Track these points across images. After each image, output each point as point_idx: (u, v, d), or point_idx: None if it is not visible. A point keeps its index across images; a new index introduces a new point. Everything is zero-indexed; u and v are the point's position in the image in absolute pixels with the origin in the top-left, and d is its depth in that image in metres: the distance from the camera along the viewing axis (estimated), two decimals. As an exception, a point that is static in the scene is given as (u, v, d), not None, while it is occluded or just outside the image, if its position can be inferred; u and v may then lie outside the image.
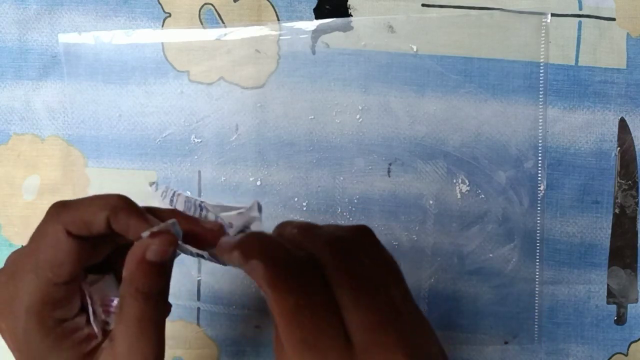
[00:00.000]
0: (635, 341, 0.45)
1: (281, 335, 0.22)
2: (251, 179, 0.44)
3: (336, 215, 0.44)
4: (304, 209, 0.44)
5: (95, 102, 0.44)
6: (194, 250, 0.27)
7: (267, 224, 0.45)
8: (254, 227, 0.28)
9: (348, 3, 0.44)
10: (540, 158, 0.44)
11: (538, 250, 0.45)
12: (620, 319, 0.45)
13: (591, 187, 0.45)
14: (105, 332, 0.28)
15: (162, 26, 0.44)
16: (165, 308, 0.27)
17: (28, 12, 0.44)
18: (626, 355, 0.45)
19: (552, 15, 0.44)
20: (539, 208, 0.44)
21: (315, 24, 0.44)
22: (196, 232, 0.27)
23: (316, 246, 0.23)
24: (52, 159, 0.45)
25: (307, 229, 0.24)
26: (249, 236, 0.25)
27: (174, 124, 0.44)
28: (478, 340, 0.45)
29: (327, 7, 0.44)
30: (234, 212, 0.28)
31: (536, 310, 0.45)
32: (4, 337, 0.26)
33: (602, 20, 0.44)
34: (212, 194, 0.44)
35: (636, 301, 0.45)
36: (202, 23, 0.44)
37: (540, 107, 0.44)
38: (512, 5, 0.44)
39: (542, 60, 0.44)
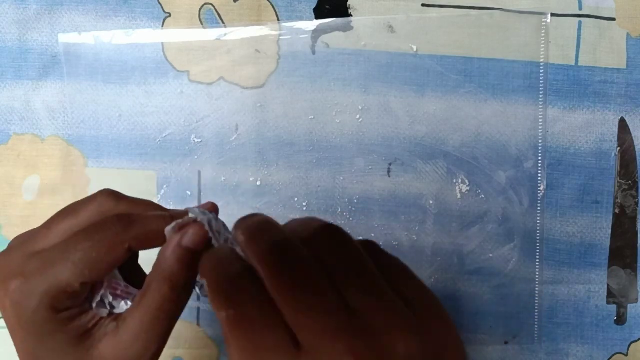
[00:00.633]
0: (635, 341, 0.45)
1: (227, 348, 0.22)
2: (251, 179, 0.44)
3: (336, 215, 0.44)
4: (304, 209, 0.44)
5: (95, 102, 0.44)
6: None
7: (267, 224, 0.45)
8: None
9: (348, 3, 0.44)
10: (540, 158, 0.44)
11: (538, 250, 0.45)
12: (620, 319, 0.45)
13: (591, 187, 0.45)
14: (110, 315, 0.28)
15: (162, 26, 0.44)
16: (181, 307, 0.27)
17: (28, 12, 0.44)
18: (626, 355, 0.45)
19: (552, 15, 0.44)
20: (539, 208, 0.44)
21: (315, 24, 0.44)
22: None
23: (254, 257, 0.23)
24: (52, 159, 0.45)
25: (251, 239, 0.24)
26: (205, 254, 0.25)
27: (174, 124, 0.44)
28: (478, 340, 0.45)
29: (327, 7, 0.44)
30: None
31: (536, 310, 0.45)
32: (5, 311, 0.26)
33: (602, 20, 0.44)
34: (212, 194, 0.44)
35: (636, 301, 0.45)
36: (202, 23, 0.44)
37: (540, 107, 0.44)
38: (512, 5, 0.44)
39: (542, 60, 0.44)
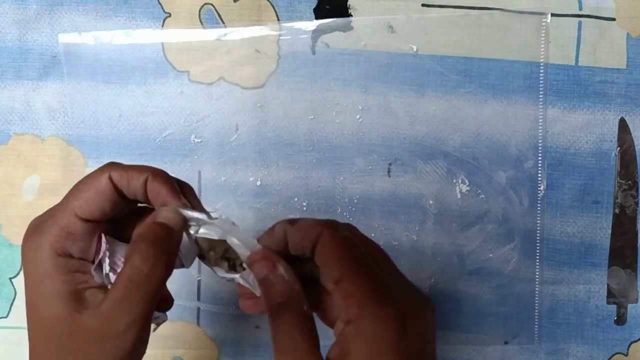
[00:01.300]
0: (635, 341, 0.45)
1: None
2: (251, 179, 0.44)
3: (336, 215, 0.44)
4: (304, 209, 0.44)
5: (95, 102, 0.44)
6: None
7: (267, 224, 0.45)
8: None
9: (348, 3, 0.44)
10: (540, 158, 0.44)
11: (538, 250, 0.45)
12: (620, 319, 0.45)
13: (591, 187, 0.45)
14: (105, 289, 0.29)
15: (162, 26, 0.44)
16: (157, 284, 0.27)
17: (28, 12, 0.44)
18: (626, 355, 0.45)
19: (552, 15, 0.44)
20: (539, 208, 0.44)
21: (315, 24, 0.44)
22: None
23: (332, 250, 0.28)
24: (52, 159, 0.45)
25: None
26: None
27: (174, 124, 0.44)
28: (478, 340, 0.45)
29: (327, 7, 0.44)
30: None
31: (536, 310, 0.45)
32: (25, 259, 0.29)
33: (602, 20, 0.44)
34: (212, 194, 0.44)
35: (636, 301, 0.45)
36: (202, 23, 0.44)
37: (540, 107, 0.44)
38: (512, 5, 0.44)
39: (542, 60, 0.44)
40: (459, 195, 0.44)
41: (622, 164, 0.45)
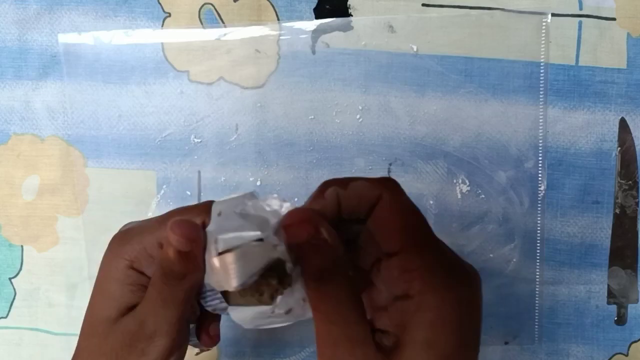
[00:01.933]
0: (636, 341, 0.45)
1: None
2: (251, 179, 0.44)
3: (336, 216, 0.44)
4: (304, 209, 0.44)
5: (95, 102, 0.44)
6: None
7: (267, 224, 0.45)
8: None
9: (348, 3, 0.44)
10: (540, 158, 0.44)
11: (538, 251, 0.45)
12: (621, 319, 0.45)
13: (591, 187, 0.45)
14: None
15: (162, 26, 0.44)
16: (186, 289, 0.27)
17: (28, 12, 0.44)
18: (626, 355, 0.45)
19: (553, 15, 0.44)
20: (539, 208, 0.44)
21: (315, 23, 0.44)
22: None
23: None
24: (51, 159, 0.45)
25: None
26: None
27: (174, 124, 0.44)
28: (478, 340, 0.45)
29: (327, 6, 0.44)
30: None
31: (536, 311, 0.45)
32: (105, 259, 0.30)
33: (603, 20, 0.44)
34: (212, 194, 0.44)
35: (636, 301, 0.45)
36: (202, 23, 0.44)
37: (541, 107, 0.44)
38: (513, 5, 0.44)
39: (542, 60, 0.44)
40: (459, 196, 0.44)
41: (622, 164, 0.45)
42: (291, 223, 0.24)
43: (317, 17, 0.44)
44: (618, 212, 0.45)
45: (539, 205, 0.44)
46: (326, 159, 0.44)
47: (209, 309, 0.30)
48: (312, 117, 0.44)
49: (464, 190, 0.44)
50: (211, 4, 0.44)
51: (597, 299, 0.45)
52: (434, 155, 0.44)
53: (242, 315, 0.26)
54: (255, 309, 0.25)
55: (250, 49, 0.44)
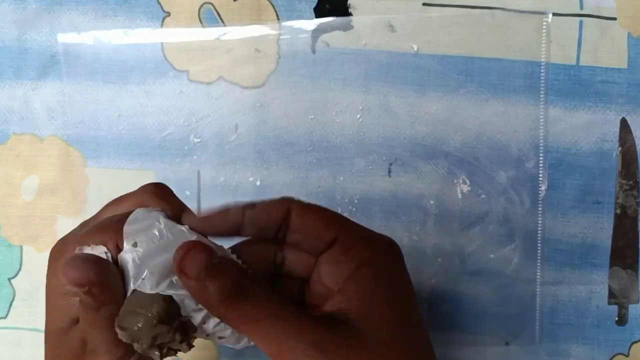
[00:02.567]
0: (637, 342, 0.45)
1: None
2: (251, 179, 0.44)
3: (336, 216, 0.44)
4: (304, 209, 0.44)
5: (95, 102, 0.44)
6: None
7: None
8: None
9: (348, 2, 0.44)
10: (541, 158, 0.44)
11: (539, 251, 0.44)
12: (622, 320, 0.45)
13: (592, 187, 0.45)
14: None
15: (162, 25, 0.44)
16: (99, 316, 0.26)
17: (27, 11, 0.44)
18: (627, 356, 0.45)
19: (553, 14, 0.44)
20: (540, 208, 0.44)
21: (315, 23, 0.44)
22: None
23: None
24: (51, 159, 0.44)
25: None
26: None
27: (173, 123, 0.44)
28: (479, 341, 0.45)
29: (327, 6, 0.44)
30: None
31: (537, 311, 0.45)
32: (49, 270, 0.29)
33: (603, 20, 0.44)
34: (212, 194, 0.44)
35: (637, 302, 0.45)
36: (201, 22, 0.44)
37: (542, 106, 0.44)
38: (513, 5, 0.44)
39: (543, 60, 0.44)
40: (459, 196, 0.44)
41: (623, 164, 0.45)
42: (182, 257, 0.24)
43: (317, 17, 0.44)
44: (619, 212, 0.45)
45: (540, 205, 0.44)
46: (326, 159, 0.44)
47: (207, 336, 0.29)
48: (312, 117, 0.44)
49: (464, 191, 0.44)
50: (211, 4, 0.44)
51: (597, 299, 0.45)
52: (435, 155, 0.44)
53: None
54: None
55: (250, 49, 0.44)
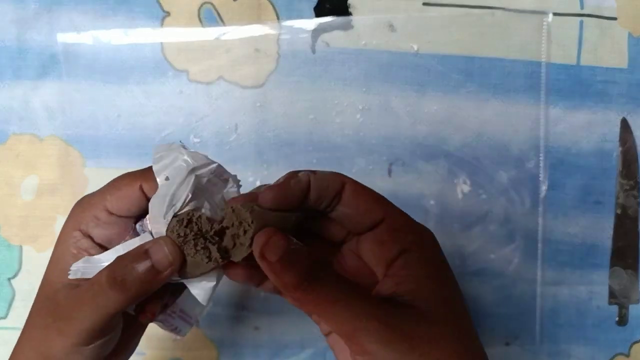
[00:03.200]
0: (637, 342, 0.45)
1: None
2: (251, 179, 0.44)
3: (336, 216, 0.44)
4: (304, 209, 0.44)
5: (94, 102, 0.44)
6: None
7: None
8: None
9: (348, 2, 0.44)
10: (541, 158, 0.44)
11: (539, 251, 0.44)
12: (622, 320, 0.45)
13: (593, 187, 0.45)
14: None
15: (161, 25, 0.44)
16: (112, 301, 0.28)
17: (27, 11, 0.44)
18: (628, 356, 0.45)
19: (554, 14, 0.44)
20: (540, 208, 0.44)
21: (315, 22, 0.44)
22: None
23: None
24: (50, 159, 0.44)
25: None
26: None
27: (173, 123, 0.44)
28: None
29: (327, 5, 0.44)
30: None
31: (537, 311, 0.45)
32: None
33: (604, 20, 0.44)
34: (212, 194, 0.44)
35: (638, 302, 0.45)
36: (201, 22, 0.44)
37: (542, 106, 0.44)
38: (514, 5, 0.44)
39: (543, 60, 0.44)
40: (460, 196, 0.44)
41: (623, 164, 0.45)
42: (264, 244, 0.25)
43: (317, 16, 0.44)
44: (619, 213, 0.45)
45: (540, 205, 0.44)
46: (326, 159, 0.44)
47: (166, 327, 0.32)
48: (312, 117, 0.44)
49: (465, 191, 0.44)
50: (211, 3, 0.44)
51: (598, 299, 0.45)
52: (435, 155, 0.44)
53: (199, 290, 0.28)
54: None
55: (250, 48, 0.44)
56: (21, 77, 0.44)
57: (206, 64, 0.44)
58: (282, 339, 0.45)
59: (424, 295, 0.26)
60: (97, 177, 0.44)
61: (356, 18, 0.44)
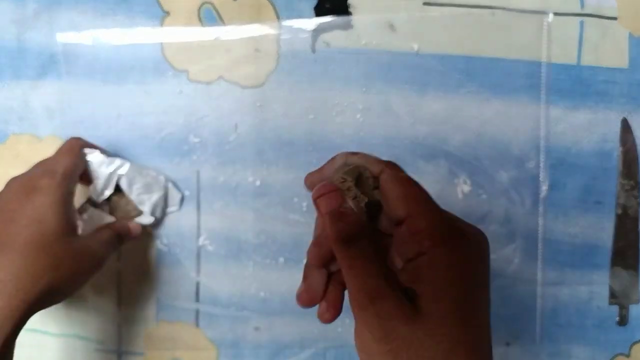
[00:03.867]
0: (637, 342, 0.45)
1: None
2: (250, 179, 0.44)
3: (336, 216, 0.44)
4: (304, 209, 0.44)
5: (94, 102, 0.44)
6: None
7: (266, 225, 0.44)
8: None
9: (348, 1, 0.44)
10: (542, 158, 0.44)
11: (540, 251, 0.44)
12: (622, 320, 0.45)
13: (593, 187, 0.45)
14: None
15: (161, 25, 0.44)
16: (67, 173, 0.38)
17: (26, 11, 0.44)
18: (628, 356, 0.45)
19: (554, 14, 0.44)
20: (540, 208, 0.44)
21: (315, 22, 0.43)
22: None
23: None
24: (50, 159, 0.44)
25: None
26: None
27: (173, 123, 0.44)
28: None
29: (327, 5, 0.44)
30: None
31: (538, 311, 0.45)
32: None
33: (604, 20, 0.44)
34: (211, 194, 0.44)
35: (638, 302, 0.45)
36: (201, 22, 0.44)
37: (542, 106, 0.44)
38: (514, 4, 0.43)
39: (544, 60, 0.44)
40: (460, 196, 0.44)
41: (624, 164, 0.45)
42: (322, 194, 0.29)
43: (317, 16, 0.44)
44: (620, 213, 0.45)
45: (541, 205, 0.44)
46: (326, 159, 0.44)
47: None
48: (312, 116, 0.44)
49: (465, 191, 0.44)
50: (210, 3, 0.44)
51: (598, 299, 0.45)
52: (435, 155, 0.44)
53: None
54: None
55: (249, 48, 0.44)
56: (21, 77, 0.44)
57: (206, 64, 0.44)
58: (282, 339, 0.45)
59: (431, 298, 0.26)
60: (96, 177, 0.44)
61: (356, 18, 0.43)
